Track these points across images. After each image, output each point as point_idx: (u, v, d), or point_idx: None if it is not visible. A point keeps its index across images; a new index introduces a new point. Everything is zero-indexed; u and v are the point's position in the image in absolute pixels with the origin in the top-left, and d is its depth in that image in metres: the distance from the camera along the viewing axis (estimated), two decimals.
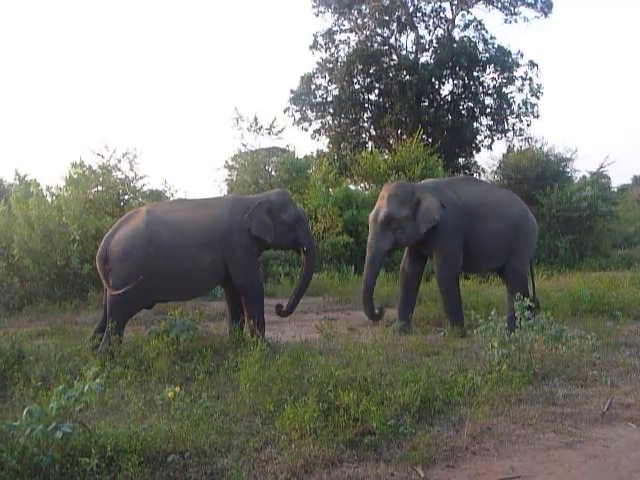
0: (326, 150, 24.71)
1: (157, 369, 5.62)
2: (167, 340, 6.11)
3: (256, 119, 17.42)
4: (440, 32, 25.41)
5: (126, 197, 11.99)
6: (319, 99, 25.23)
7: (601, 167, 19.12)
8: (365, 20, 25.34)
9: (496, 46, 24.57)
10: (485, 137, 25.01)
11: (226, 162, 19.35)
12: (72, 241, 10.36)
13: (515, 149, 21.89)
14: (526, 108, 24.72)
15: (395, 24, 25.10)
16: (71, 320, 8.72)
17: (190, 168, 43.96)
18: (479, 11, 26.13)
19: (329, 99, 25.04)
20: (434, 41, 25.11)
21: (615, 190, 22.81)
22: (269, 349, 5.99)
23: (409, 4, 25.20)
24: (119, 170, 12.04)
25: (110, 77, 57.42)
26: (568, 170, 19.13)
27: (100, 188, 12.00)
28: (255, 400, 4.68)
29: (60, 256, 10.23)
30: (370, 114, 25.11)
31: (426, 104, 24.34)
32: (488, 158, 28.53)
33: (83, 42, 56.16)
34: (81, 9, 55.22)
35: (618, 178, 44.76)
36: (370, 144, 24.66)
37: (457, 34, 25.13)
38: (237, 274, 6.93)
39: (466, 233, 7.63)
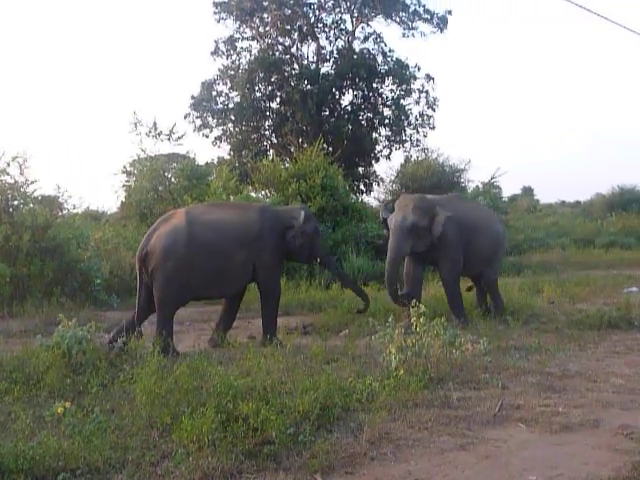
0: (227, 157, 24.46)
1: (47, 383, 5.37)
2: (58, 353, 5.84)
3: (155, 124, 17.02)
4: (341, 43, 25.75)
5: (15, 203, 11.37)
6: (220, 106, 24.98)
7: (493, 178, 19.95)
8: (267, 28, 25.34)
9: (394, 59, 25.11)
10: (384, 147, 25.46)
11: (124, 167, 18.77)
12: None
13: (412, 159, 22.48)
14: (422, 120, 25.39)
15: (296, 34, 25.23)
16: None
17: (85, 173, 42.49)
18: (378, 24, 26.60)
19: (230, 106, 24.83)
20: (335, 52, 25.41)
21: (506, 200, 23.84)
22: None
23: (310, 15, 25.42)
24: (8, 174, 11.38)
25: None
26: (462, 180, 19.85)
27: None
28: (151, 413, 4.55)
29: None
30: (271, 122, 25.10)
31: (327, 114, 24.60)
32: (387, 168, 29.16)
33: None
34: None
35: (509, 188, 47.04)
36: (271, 152, 24.62)
37: (357, 46, 25.54)
38: (262, 276, 7.68)
39: (465, 244, 8.84)
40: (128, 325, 7.18)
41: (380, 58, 25.14)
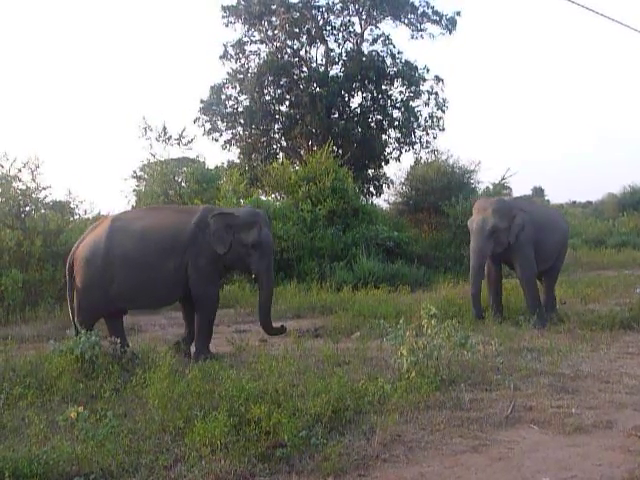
0: (237, 161, 24.52)
1: (60, 388, 5.40)
2: (71, 358, 5.86)
3: (165, 129, 17.12)
4: (349, 46, 25.75)
5: (27, 208, 11.45)
6: (229, 109, 25.02)
7: (503, 178, 19.78)
8: (275, 32, 25.37)
9: (403, 61, 25.08)
10: (393, 149, 25.42)
11: (134, 172, 18.89)
12: None
13: (422, 161, 22.40)
14: (432, 121, 25.32)
15: (305, 36, 25.25)
16: None
17: (96, 178, 42.65)
18: (387, 26, 26.65)
19: (240, 110, 24.88)
20: (343, 54, 25.42)
21: None
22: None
23: (319, 17, 25.43)
24: (20, 180, 11.48)
25: (9, 82, 55.08)
26: (472, 181, 19.73)
27: None
28: (164, 417, 4.57)
29: None
30: (281, 125, 25.11)
31: (336, 116, 24.61)
32: (396, 170, 29.08)
33: None
34: None
35: (519, 189, 46.92)
36: (281, 155, 24.66)
37: (366, 48, 25.52)
38: (195, 282, 7.07)
39: (535, 242, 9.16)
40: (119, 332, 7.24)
41: (389, 60, 25.12)
